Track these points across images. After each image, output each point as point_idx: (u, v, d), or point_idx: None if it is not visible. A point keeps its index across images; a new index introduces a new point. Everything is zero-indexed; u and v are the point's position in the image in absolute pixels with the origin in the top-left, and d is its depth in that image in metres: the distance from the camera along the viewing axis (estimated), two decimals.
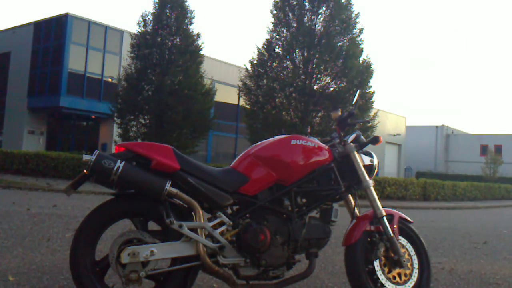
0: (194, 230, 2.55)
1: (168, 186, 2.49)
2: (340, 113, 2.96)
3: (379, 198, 2.93)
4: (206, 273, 2.62)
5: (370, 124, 17.33)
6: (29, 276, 3.20)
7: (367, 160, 2.97)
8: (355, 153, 2.91)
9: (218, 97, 22.57)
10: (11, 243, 4.34)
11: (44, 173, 14.87)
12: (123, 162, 2.47)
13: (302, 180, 2.75)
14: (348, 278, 2.86)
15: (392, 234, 2.85)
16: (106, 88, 24.80)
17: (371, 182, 2.90)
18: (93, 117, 26.00)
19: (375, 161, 3.01)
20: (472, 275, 4.32)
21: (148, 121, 17.70)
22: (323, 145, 2.88)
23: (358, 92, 3.18)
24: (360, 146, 2.95)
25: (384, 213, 2.89)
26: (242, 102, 19.72)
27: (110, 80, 24.56)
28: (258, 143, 2.91)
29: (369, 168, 2.96)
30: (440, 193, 19.19)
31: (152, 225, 2.63)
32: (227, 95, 28.16)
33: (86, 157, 2.46)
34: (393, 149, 43.69)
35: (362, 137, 3.04)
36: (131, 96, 17.25)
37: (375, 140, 2.86)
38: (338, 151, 2.92)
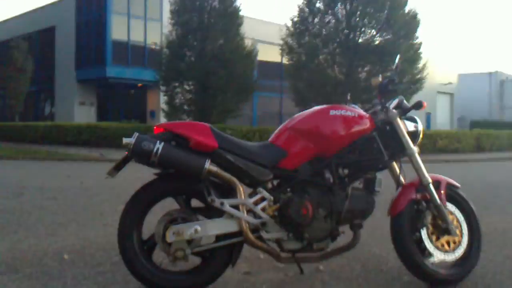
0: (235, 207, 2.56)
1: (207, 165, 2.49)
2: (380, 79, 2.85)
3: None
4: (251, 247, 2.64)
5: (418, 76, 16.79)
6: (83, 254, 3.33)
7: (411, 126, 2.87)
8: (398, 119, 2.80)
9: (261, 56, 22.36)
10: (66, 219, 4.52)
11: (97, 144, 15.43)
12: (162, 143, 2.48)
13: (343, 152, 2.69)
14: (394, 247, 2.81)
15: (439, 202, 2.76)
16: (150, 55, 25.06)
17: (415, 149, 2.80)
18: (139, 85, 26.46)
19: (420, 127, 2.90)
20: None
21: (192, 87, 17.84)
22: (364, 113, 2.79)
23: (398, 56, 3.02)
24: (403, 112, 2.85)
25: (430, 180, 2.79)
26: (285, 60, 19.46)
27: (153, 46, 24.74)
28: (296, 115, 2.85)
29: (414, 135, 2.86)
30: (495, 143, 18.47)
31: (196, 203, 2.66)
32: (270, 54, 27.80)
33: (126, 140, 2.49)
34: (445, 99, 42.27)
35: (405, 102, 2.92)
36: (174, 63, 17.38)
37: (419, 105, 2.75)
38: (380, 119, 2.83)
